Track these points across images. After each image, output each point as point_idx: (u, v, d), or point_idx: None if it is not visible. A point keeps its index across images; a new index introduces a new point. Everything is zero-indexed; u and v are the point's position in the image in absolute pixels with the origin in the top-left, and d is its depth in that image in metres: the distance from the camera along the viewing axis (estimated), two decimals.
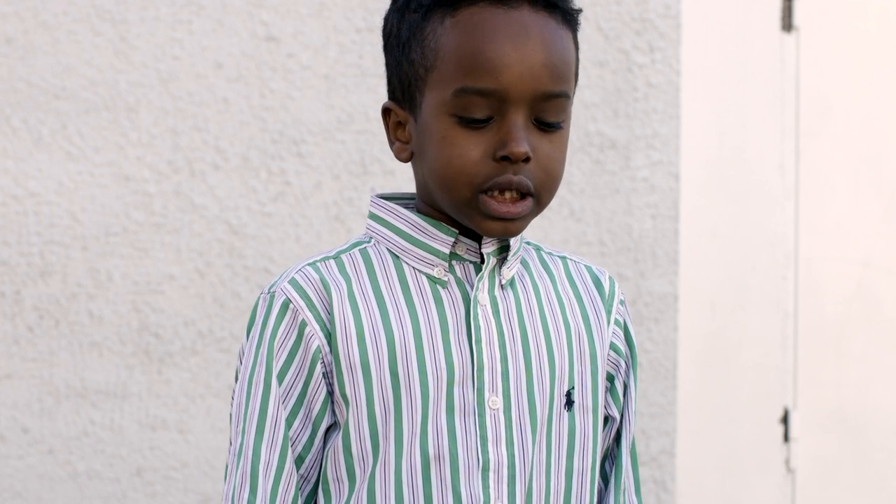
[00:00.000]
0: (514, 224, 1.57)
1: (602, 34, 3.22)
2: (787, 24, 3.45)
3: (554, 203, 3.22)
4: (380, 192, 1.98)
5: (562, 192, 3.22)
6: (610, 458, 1.72)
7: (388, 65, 1.65)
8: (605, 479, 1.73)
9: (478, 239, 1.62)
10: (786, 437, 3.47)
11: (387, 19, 1.64)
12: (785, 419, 3.47)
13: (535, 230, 3.18)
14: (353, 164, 3.16)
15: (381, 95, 3.19)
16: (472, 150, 1.55)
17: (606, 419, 1.71)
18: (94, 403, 3.10)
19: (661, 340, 3.26)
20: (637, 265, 3.25)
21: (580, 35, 1.63)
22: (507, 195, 1.56)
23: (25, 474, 3.09)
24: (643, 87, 3.26)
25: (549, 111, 1.56)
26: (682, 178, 3.28)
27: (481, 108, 1.54)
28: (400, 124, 1.62)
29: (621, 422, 1.72)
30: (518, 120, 1.54)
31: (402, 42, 1.61)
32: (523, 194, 1.56)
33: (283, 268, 3.13)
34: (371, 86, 3.17)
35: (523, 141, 1.53)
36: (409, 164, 1.64)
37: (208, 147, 3.13)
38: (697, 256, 3.34)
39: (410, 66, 1.59)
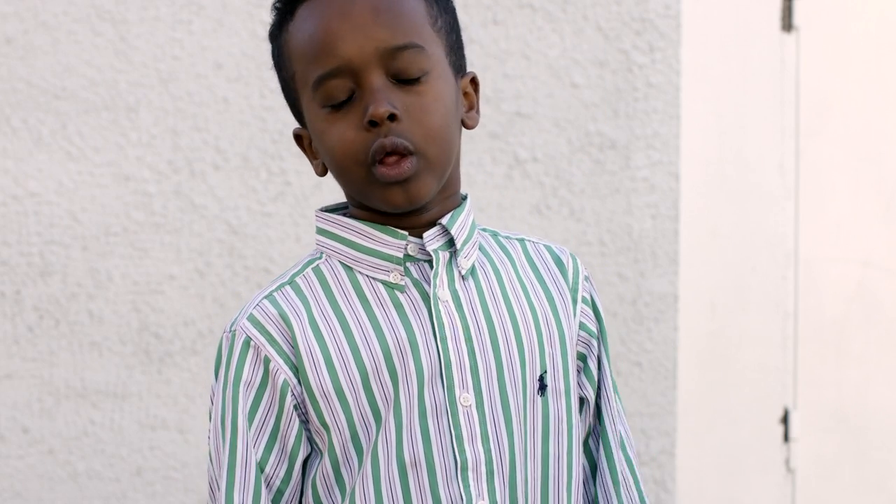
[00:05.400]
0: (414, 187, 1.55)
1: (602, 34, 3.22)
2: (787, 24, 3.45)
3: (554, 203, 3.22)
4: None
5: (562, 191, 3.22)
6: (594, 434, 1.70)
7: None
8: (589, 457, 1.70)
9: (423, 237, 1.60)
10: (786, 437, 3.47)
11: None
12: (785, 419, 3.47)
13: (535, 230, 3.18)
14: None
15: None
16: (346, 130, 1.54)
17: (582, 402, 1.69)
18: (94, 403, 3.10)
19: (661, 340, 3.26)
20: (637, 265, 3.25)
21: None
22: (393, 159, 1.53)
23: (25, 474, 3.09)
24: (643, 87, 3.26)
25: (401, 65, 1.54)
26: (682, 178, 3.28)
27: (340, 89, 1.54)
28: (310, 144, 1.63)
29: (599, 398, 1.69)
30: (373, 83, 1.53)
31: (277, 68, 1.63)
32: (405, 154, 1.54)
33: (283, 268, 3.13)
34: None
35: (382, 102, 1.52)
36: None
37: (208, 147, 3.13)
38: (697, 256, 3.34)
39: (286, 84, 1.62)
